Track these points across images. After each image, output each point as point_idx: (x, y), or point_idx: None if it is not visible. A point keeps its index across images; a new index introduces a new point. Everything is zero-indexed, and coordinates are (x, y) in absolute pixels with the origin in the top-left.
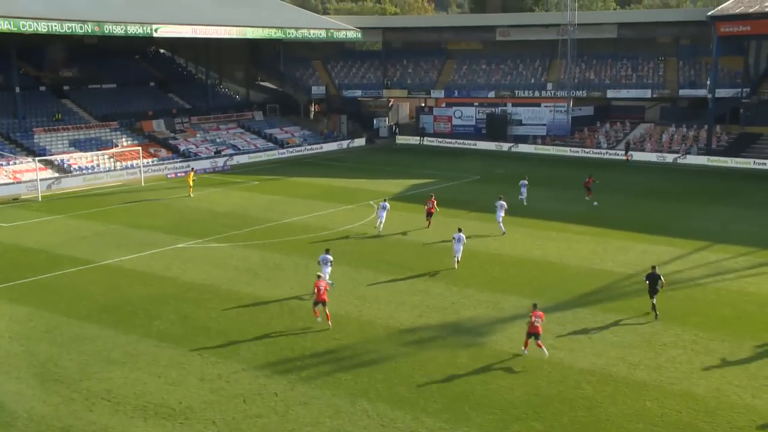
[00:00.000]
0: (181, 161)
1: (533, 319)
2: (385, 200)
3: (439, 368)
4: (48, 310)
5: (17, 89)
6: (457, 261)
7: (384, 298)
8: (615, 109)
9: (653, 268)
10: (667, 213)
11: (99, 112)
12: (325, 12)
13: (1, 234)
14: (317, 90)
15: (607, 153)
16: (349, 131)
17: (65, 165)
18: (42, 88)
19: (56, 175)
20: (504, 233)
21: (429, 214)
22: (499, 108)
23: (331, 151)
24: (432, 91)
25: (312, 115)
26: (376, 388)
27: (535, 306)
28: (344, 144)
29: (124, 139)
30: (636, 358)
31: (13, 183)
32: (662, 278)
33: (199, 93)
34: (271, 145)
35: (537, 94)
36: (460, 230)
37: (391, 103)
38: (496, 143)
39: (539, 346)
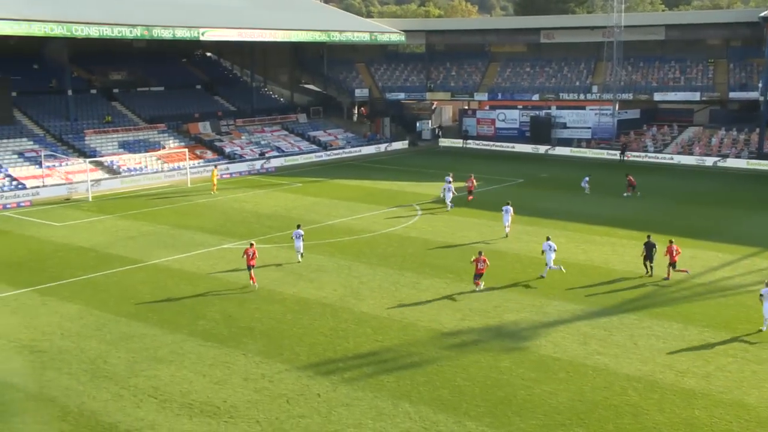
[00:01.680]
0: (226, 163)
1: (479, 264)
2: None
3: (481, 372)
4: (97, 308)
5: (69, 92)
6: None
7: (426, 301)
8: (662, 112)
9: (648, 237)
10: (714, 218)
11: (147, 114)
12: (369, 15)
13: (54, 233)
14: (360, 92)
15: (646, 156)
16: (392, 134)
17: (114, 166)
18: (93, 91)
19: (106, 176)
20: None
21: (469, 192)
22: (543, 111)
23: (374, 154)
24: (475, 93)
25: (355, 118)
26: (418, 390)
27: (480, 253)
28: (387, 147)
29: (171, 141)
30: (684, 366)
31: (65, 184)
32: (656, 246)
33: (244, 95)
34: (314, 147)
35: (582, 96)
36: (548, 238)
37: (434, 106)
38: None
39: (477, 284)
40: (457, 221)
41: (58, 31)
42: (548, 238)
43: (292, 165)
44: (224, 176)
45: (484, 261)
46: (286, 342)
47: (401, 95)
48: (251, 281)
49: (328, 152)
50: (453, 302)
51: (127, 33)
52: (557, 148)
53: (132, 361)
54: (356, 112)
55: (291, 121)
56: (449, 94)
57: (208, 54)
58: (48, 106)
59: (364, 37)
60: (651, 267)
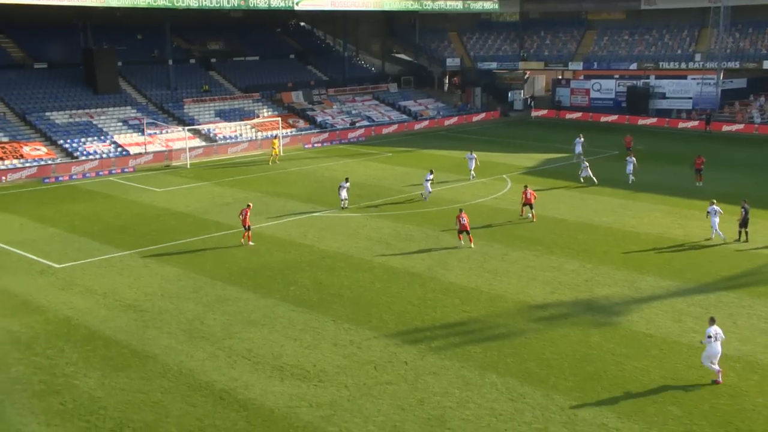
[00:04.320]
0: (318, 131)
1: (461, 220)
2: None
3: (570, 346)
4: (195, 272)
5: (170, 62)
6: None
7: (515, 273)
8: None
9: (744, 201)
10: None
11: (243, 83)
12: None
13: (155, 198)
14: (452, 62)
15: (757, 130)
16: (483, 104)
17: (211, 134)
18: (192, 61)
19: (203, 143)
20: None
21: (528, 205)
22: (641, 81)
23: (464, 124)
24: (570, 63)
25: (446, 88)
26: (505, 362)
27: (461, 210)
28: (478, 117)
29: (265, 110)
30: None
31: (165, 150)
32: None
33: (336, 65)
34: (404, 117)
35: (683, 65)
36: (713, 202)
37: (526, 76)
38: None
39: (469, 239)
40: (547, 193)
41: (161, 2)
42: (713, 202)
43: (381, 134)
44: (315, 145)
45: (466, 218)
46: (374, 310)
47: (493, 65)
48: (244, 239)
49: (419, 122)
50: (542, 275)
51: (224, 3)
52: (651, 119)
53: (227, 323)
54: (447, 82)
55: (381, 91)
56: (543, 63)
57: (302, 24)
58: (150, 76)
59: (457, 6)
60: (746, 233)
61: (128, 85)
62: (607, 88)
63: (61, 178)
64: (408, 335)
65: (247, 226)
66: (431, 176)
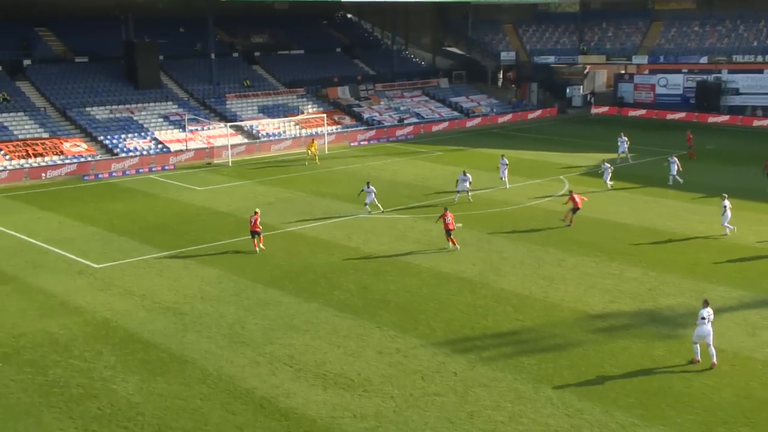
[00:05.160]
0: (364, 128)
1: (447, 219)
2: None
3: (632, 360)
4: (235, 274)
5: (213, 55)
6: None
7: (572, 280)
8: None
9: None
10: None
11: (287, 78)
12: None
13: (195, 197)
14: (506, 56)
15: None
16: (540, 100)
17: (254, 131)
18: (235, 55)
19: (245, 140)
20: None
21: (575, 209)
22: (712, 75)
23: (519, 122)
24: (634, 56)
25: (500, 83)
26: (561, 375)
27: (446, 209)
28: (534, 114)
29: (309, 106)
30: None
31: (206, 147)
32: None
33: (384, 59)
34: (455, 114)
35: (759, 58)
36: (724, 197)
37: (586, 70)
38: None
39: (452, 242)
40: (609, 195)
41: None
42: (724, 197)
43: (431, 132)
44: (362, 143)
45: (451, 217)
46: (422, 316)
47: (551, 59)
48: (254, 246)
49: (471, 119)
50: (602, 282)
51: None
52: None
53: (268, 328)
54: (501, 77)
55: (432, 87)
56: (604, 57)
57: (349, 16)
58: (192, 70)
59: None
60: None
61: (169, 80)
62: (675, 83)
63: (100, 176)
64: (457, 344)
65: (258, 232)
66: (466, 177)
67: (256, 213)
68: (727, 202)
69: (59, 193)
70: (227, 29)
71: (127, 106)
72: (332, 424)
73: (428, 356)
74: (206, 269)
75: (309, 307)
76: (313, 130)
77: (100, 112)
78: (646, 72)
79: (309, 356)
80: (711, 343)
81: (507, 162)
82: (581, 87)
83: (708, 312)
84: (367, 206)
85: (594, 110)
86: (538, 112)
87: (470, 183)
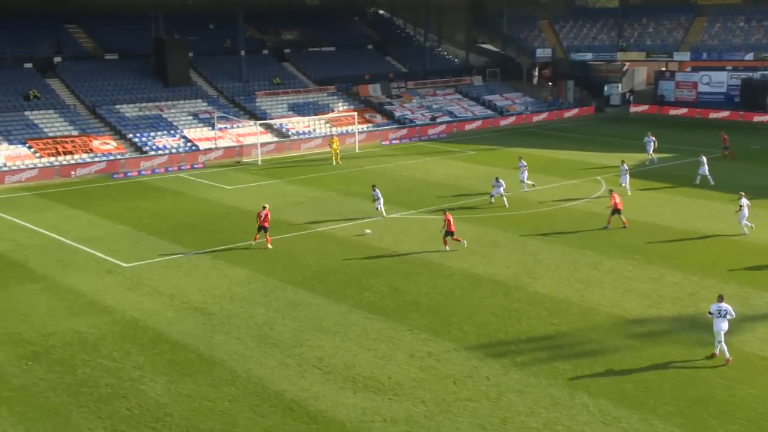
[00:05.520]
0: (396, 127)
1: (449, 221)
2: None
3: (672, 366)
4: (265, 274)
5: (243, 52)
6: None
7: (609, 284)
8: None
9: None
10: None
11: (317, 75)
12: None
13: (224, 196)
14: (542, 53)
15: None
16: (576, 98)
17: (283, 129)
18: (265, 52)
19: (275, 138)
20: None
21: (617, 211)
22: (758, 72)
23: (555, 120)
24: (675, 53)
25: (535, 81)
26: (597, 381)
27: (445, 211)
28: (570, 113)
29: (340, 104)
30: None
31: (236, 146)
32: None
33: (416, 56)
34: (489, 112)
35: None
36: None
37: (625, 68)
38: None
39: (458, 239)
40: (647, 196)
41: None
42: (741, 195)
43: (464, 131)
44: (393, 141)
45: (451, 219)
46: (454, 319)
47: (588, 55)
48: (255, 240)
49: (505, 118)
50: (640, 286)
51: None
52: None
53: (297, 329)
54: (537, 74)
55: (465, 84)
56: (644, 54)
57: (381, 12)
58: (222, 67)
59: None
60: None
61: (199, 77)
62: (718, 81)
63: (129, 174)
64: (490, 348)
65: (265, 228)
66: (499, 183)
67: (264, 207)
68: (744, 201)
69: (89, 191)
70: (257, 26)
71: (157, 103)
72: (362, 428)
73: (461, 360)
74: (235, 269)
75: (339, 308)
76: (344, 129)
77: (129, 110)
78: (689, 69)
79: (339, 359)
80: (722, 339)
81: (525, 164)
82: (620, 85)
83: (718, 307)
84: (379, 209)
85: (633, 109)
86: (575, 111)
87: (504, 188)
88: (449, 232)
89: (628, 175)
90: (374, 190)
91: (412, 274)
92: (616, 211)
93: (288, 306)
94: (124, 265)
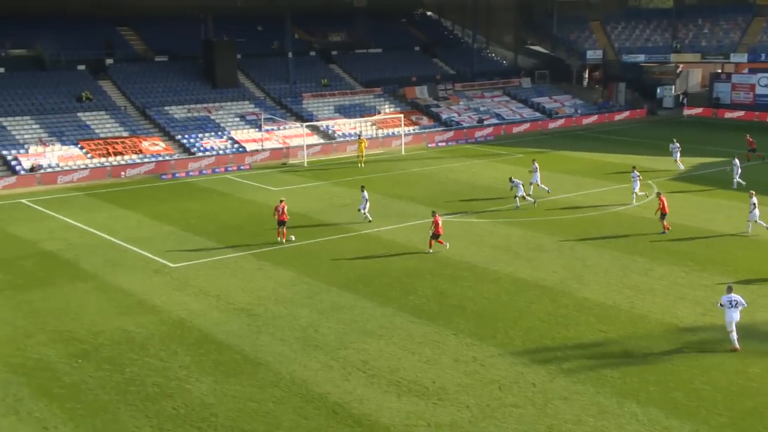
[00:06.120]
0: (443, 129)
1: (437, 223)
2: None
3: (725, 376)
4: (309, 276)
5: (290, 54)
6: None
7: (660, 291)
8: None
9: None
10: None
11: (364, 77)
12: None
13: (271, 197)
14: (593, 54)
15: None
16: (627, 101)
17: (330, 131)
18: (312, 53)
19: (321, 140)
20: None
21: (662, 214)
22: None
23: (605, 123)
24: (732, 54)
25: (585, 83)
26: (647, 390)
27: (434, 213)
28: (621, 115)
29: (386, 106)
30: None
31: (282, 147)
32: None
33: (464, 58)
34: (538, 115)
35: None
36: None
37: (679, 70)
38: None
39: (441, 242)
40: (702, 202)
41: None
42: (752, 194)
43: (512, 134)
44: (440, 144)
45: (437, 222)
46: (500, 324)
47: (640, 57)
48: (278, 237)
49: (554, 121)
50: (693, 294)
51: None
52: None
53: (342, 332)
54: (587, 76)
55: (513, 86)
56: (699, 55)
57: (429, 13)
58: (269, 69)
59: None
60: None
61: (246, 79)
62: None
63: (177, 175)
64: (536, 354)
65: (284, 221)
66: (515, 183)
67: (281, 201)
68: (755, 199)
69: (138, 191)
70: (305, 27)
71: (205, 105)
72: None
73: (506, 366)
74: (280, 271)
75: (383, 311)
76: (390, 131)
77: (178, 111)
78: (746, 71)
79: (383, 362)
80: (733, 329)
81: (537, 166)
82: (673, 87)
83: (729, 298)
84: (362, 211)
85: (687, 112)
86: (626, 114)
87: (517, 187)
88: (436, 234)
89: (639, 182)
90: (363, 192)
91: (457, 278)
92: (664, 215)
93: (332, 308)
94: (172, 265)
